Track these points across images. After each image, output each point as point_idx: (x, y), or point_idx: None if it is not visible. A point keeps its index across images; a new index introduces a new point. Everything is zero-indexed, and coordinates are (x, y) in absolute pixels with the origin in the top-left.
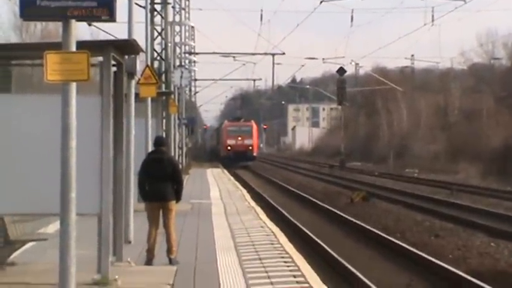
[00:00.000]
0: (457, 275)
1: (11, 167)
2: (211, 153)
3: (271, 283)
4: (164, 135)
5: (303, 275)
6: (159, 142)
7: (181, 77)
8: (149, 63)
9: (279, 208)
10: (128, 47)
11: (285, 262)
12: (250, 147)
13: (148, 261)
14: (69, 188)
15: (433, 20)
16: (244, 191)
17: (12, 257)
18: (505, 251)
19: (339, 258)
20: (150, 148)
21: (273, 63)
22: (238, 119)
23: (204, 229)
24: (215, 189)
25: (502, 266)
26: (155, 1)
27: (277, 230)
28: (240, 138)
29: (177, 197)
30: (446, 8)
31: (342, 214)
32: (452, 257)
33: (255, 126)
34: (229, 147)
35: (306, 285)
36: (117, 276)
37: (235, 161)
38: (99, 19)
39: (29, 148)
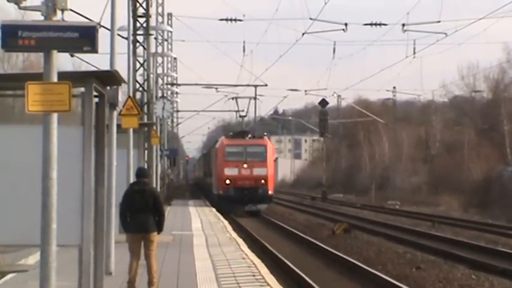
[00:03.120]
0: None
1: None
2: (195, 187)
3: None
4: (146, 166)
5: None
6: (141, 173)
7: (163, 108)
8: (131, 94)
9: (261, 240)
10: (109, 78)
11: None
12: (264, 181)
13: None
14: (50, 219)
15: (414, 53)
16: (226, 222)
17: None
18: (486, 283)
19: None
20: (132, 179)
21: (255, 95)
22: (243, 133)
23: (185, 261)
24: (197, 221)
25: None
26: (138, 32)
27: (258, 261)
28: (246, 166)
29: (159, 229)
30: (427, 40)
31: (323, 246)
32: None
33: (270, 146)
34: (228, 181)
35: None
36: None
37: (238, 203)
38: (81, 50)
39: (10, 179)
